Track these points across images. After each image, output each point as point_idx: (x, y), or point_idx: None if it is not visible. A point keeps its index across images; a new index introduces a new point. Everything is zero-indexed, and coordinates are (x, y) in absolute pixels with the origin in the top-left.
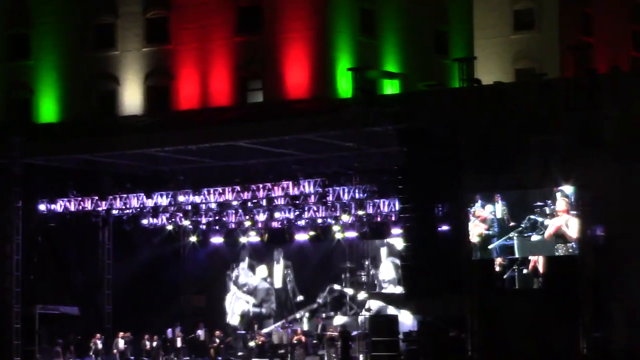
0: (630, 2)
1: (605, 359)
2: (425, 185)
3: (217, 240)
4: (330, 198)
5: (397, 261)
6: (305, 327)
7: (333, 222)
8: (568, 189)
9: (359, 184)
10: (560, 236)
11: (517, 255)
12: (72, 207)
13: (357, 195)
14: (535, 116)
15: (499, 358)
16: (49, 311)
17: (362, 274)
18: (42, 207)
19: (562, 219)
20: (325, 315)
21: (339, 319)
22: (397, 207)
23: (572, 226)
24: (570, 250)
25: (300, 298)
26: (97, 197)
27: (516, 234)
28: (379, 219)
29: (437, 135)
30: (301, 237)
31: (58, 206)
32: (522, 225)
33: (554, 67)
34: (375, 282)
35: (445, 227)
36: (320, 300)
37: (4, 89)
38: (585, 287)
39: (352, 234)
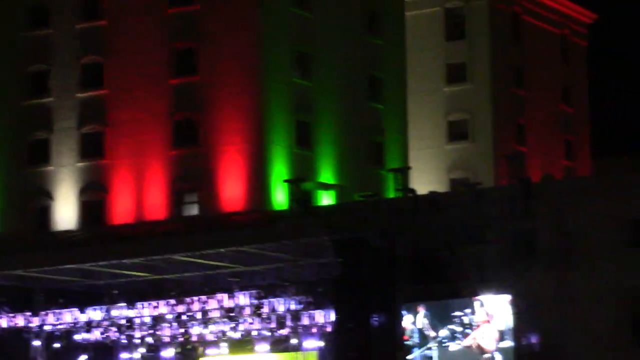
0: (563, 112)
1: None
2: (361, 295)
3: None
4: (265, 310)
5: None
6: None
7: (269, 333)
8: (488, 298)
9: (294, 295)
10: (478, 347)
11: None
12: (4, 324)
13: (292, 307)
14: (470, 225)
15: None
16: None
17: None
18: None
19: (480, 330)
20: None
21: None
22: (333, 317)
23: (489, 337)
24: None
25: None
26: (29, 313)
27: (436, 344)
28: (314, 330)
29: (372, 245)
30: None
31: None
32: (441, 336)
33: (488, 176)
34: None
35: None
36: None
37: None
38: None
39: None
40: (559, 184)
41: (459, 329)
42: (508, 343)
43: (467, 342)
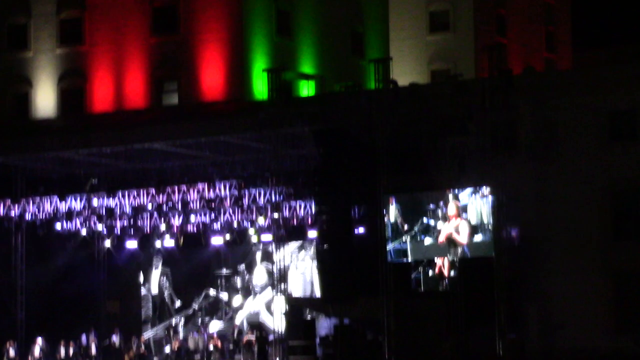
0: (544, 3)
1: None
2: (341, 186)
3: (132, 244)
4: (246, 201)
5: (270, 266)
6: (181, 332)
7: (249, 225)
8: (463, 192)
9: (275, 186)
10: (451, 241)
11: (409, 259)
12: None
13: (273, 198)
14: (451, 117)
15: None
16: None
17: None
18: None
19: (452, 224)
20: (201, 321)
21: (215, 324)
22: (313, 209)
23: (462, 231)
24: (460, 254)
25: (178, 304)
26: (9, 201)
27: (409, 238)
28: (295, 221)
29: (353, 136)
30: (217, 240)
31: None
32: (415, 229)
33: (469, 68)
34: (250, 287)
35: (361, 229)
36: (195, 306)
37: None
38: (500, 288)
39: (268, 237)
40: (540, 76)
41: (432, 222)
42: (480, 237)
43: (440, 235)
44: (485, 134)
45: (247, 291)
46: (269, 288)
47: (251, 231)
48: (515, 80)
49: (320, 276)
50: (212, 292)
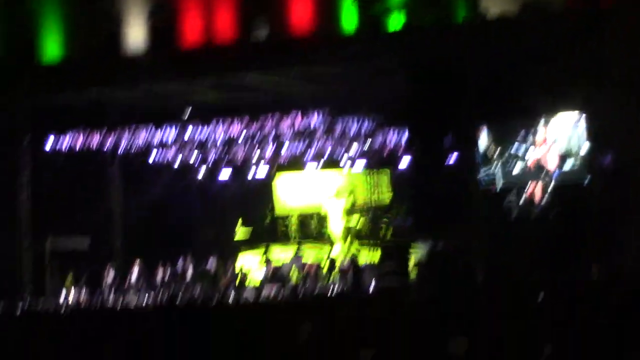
0: None
1: (618, 285)
2: (433, 116)
3: (225, 174)
4: (337, 130)
5: None
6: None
7: (341, 154)
8: (554, 118)
9: (366, 114)
10: (541, 167)
11: (499, 186)
12: (80, 141)
13: (364, 127)
14: (542, 48)
15: (508, 285)
16: (60, 244)
17: None
18: (50, 140)
19: (542, 150)
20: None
21: None
22: (405, 138)
23: (552, 157)
24: (548, 180)
25: None
26: (105, 130)
27: (500, 164)
28: (386, 150)
29: (442, 68)
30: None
31: (66, 140)
32: (505, 155)
33: None
34: None
35: (453, 158)
36: None
37: (6, 30)
38: (596, 214)
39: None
40: (634, 4)
41: (522, 149)
42: (570, 163)
43: (530, 161)
44: (578, 63)
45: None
46: None
47: (343, 160)
48: (607, 11)
49: (412, 203)
50: None
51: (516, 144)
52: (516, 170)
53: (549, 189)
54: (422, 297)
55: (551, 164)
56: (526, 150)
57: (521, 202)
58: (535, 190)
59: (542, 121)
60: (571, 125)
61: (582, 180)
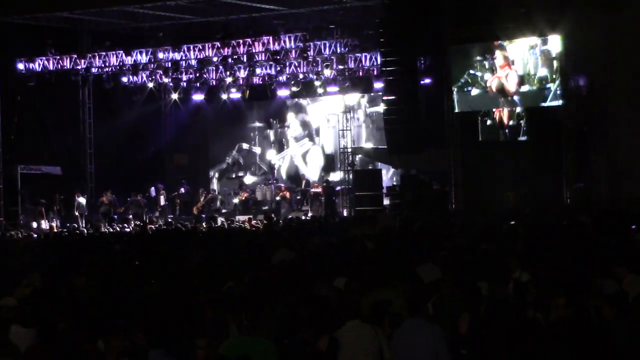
0: None
1: (588, 208)
2: (407, 38)
3: (198, 97)
4: (311, 53)
5: (306, 118)
6: (216, 186)
7: (314, 77)
8: (511, 44)
9: (340, 38)
10: (500, 90)
11: (456, 110)
12: (51, 66)
13: (338, 50)
14: None
15: (482, 209)
16: (31, 171)
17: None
18: (20, 66)
19: (502, 73)
20: (235, 175)
21: (249, 179)
22: (379, 61)
23: (511, 80)
24: (508, 104)
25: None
26: (76, 55)
27: (455, 89)
28: (360, 73)
29: None
30: (283, 92)
31: (37, 65)
32: (462, 80)
33: None
34: (283, 140)
35: (427, 80)
36: (229, 160)
37: None
38: (568, 138)
39: (333, 89)
40: None
41: (480, 73)
42: (527, 87)
43: (491, 81)
44: None
45: (280, 144)
46: (305, 140)
47: (317, 83)
48: None
49: (386, 127)
50: (245, 145)
51: (471, 69)
52: (473, 94)
53: (520, 113)
54: (396, 222)
55: (511, 87)
56: (483, 74)
57: (487, 124)
58: (503, 113)
59: (498, 46)
60: (528, 51)
61: (538, 104)
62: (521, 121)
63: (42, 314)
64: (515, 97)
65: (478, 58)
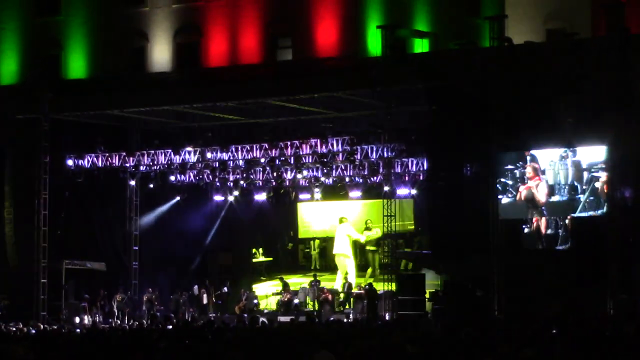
0: None
1: (632, 319)
2: (454, 144)
3: (243, 199)
4: (358, 156)
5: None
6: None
7: (361, 180)
8: (540, 152)
9: (387, 142)
10: (530, 200)
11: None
12: (99, 163)
13: (385, 154)
14: (566, 76)
15: (525, 318)
16: (76, 266)
17: None
18: (69, 162)
19: (532, 183)
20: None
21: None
22: (426, 166)
23: (541, 191)
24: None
25: None
26: (124, 153)
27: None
28: (407, 177)
29: (466, 94)
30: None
31: (86, 162)
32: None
33: (585, 27)
34: None
35: (472, 187)
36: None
37: (33, 45)
38: (612, 248)
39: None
40: None
41: (510, 182)
42: (557, 198)
43: (521, 191)
44: (601, 92)
45: None
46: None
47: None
48: (633, 39)
49: (431, 233)
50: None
51: (503, 178)
52: (504, 202)
53: (559, 221)
54: (438, 327)
55: (541, 197)
56: (515, 184)
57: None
58: (540, 221)
59: (529, 157)
60: (559, 162)
61: (568, 214)
62: (559, 230)
63: None
64: (543, 207)
65: (510, 167)
